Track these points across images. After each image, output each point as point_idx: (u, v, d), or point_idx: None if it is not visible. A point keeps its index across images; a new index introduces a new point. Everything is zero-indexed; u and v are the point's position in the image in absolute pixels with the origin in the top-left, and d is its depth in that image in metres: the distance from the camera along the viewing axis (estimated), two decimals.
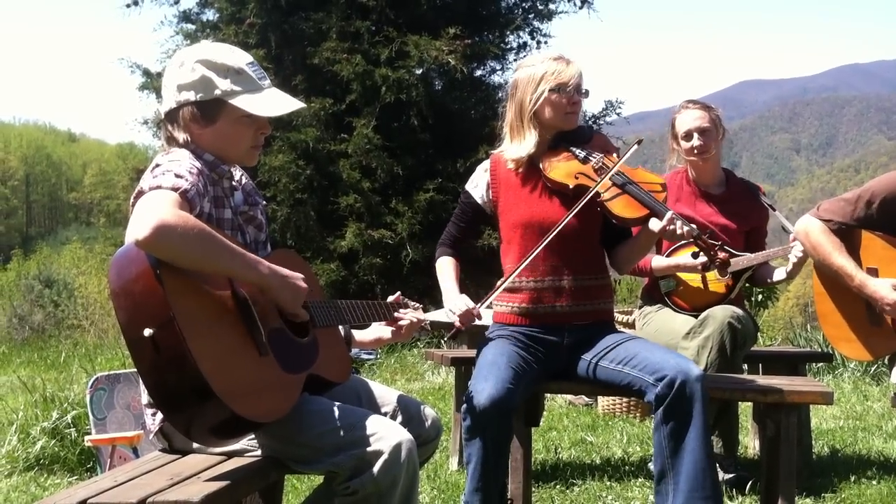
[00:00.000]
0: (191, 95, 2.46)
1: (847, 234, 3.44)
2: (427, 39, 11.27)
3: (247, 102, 2.47)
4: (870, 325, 3.38)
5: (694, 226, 3.16)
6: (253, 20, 11.83)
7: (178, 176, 2.28)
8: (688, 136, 4.23)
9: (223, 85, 2.46)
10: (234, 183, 2.62)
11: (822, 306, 3.54)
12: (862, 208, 3.40)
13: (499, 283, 3.21)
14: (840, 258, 3.38)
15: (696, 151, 4.23)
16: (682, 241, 4.06)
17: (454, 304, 3.18)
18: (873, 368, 7.48)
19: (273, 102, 2.52)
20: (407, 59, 11.29)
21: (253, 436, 2.54)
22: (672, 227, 3.09)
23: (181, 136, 2.49)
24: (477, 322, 3.15)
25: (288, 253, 2.74)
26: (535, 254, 3.16)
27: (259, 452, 2.55)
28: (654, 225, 3.15)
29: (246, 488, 2.42)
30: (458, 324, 3.07)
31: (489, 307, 3.23)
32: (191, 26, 13.20)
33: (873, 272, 3.36)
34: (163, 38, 50.28)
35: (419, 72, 11.62)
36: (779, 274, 4.15)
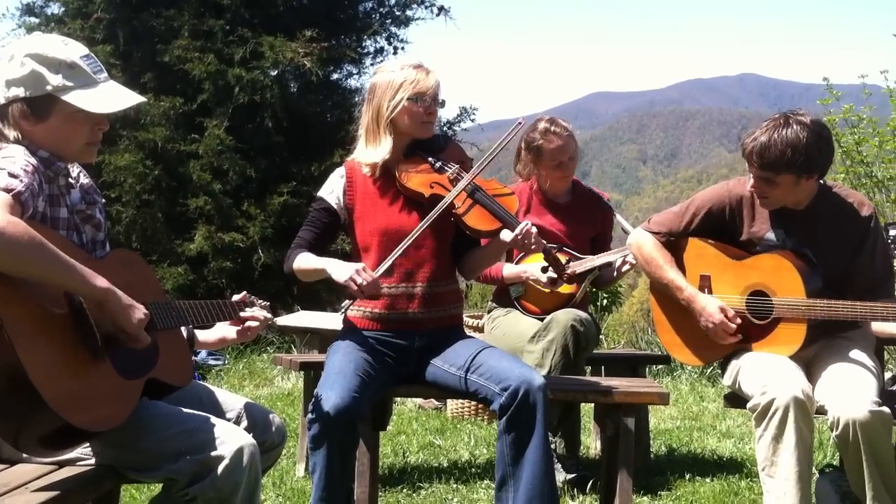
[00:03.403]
0: (20, 91, 2.36)
1: (680, 243, 3.59)
2: (283, 41, 11.15)
3: (80, 98, 2.38)
4: (700, 333, 3.54)
5: (543, 241, 3.27)
6: (100, 15, 11.44)
7: (11, 175, 2.18)
8: (560, 165, 4.39)
9: (54, 80, 2.36)
10: (70, 180, 2.52)
11: (657, 314, 3.70)
12: (688, 219, 3.57)
13: (392, 254, 3.17)
14: (670, 272, 3.53)
15: (564, 176, 4.43)
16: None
17: (354, 269, 3.05)
18: (709, 370, 7.80)
19: (109, 98, 2.43)
20: (261, 59, 11.13)
21: (87, 444, 2.46)
22: (523, 239, 3.20)
23: (11, 133, 2.38)
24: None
25: (127, 254, 2.66)
26: (415, 235, 3.18)
27: (93, 461, 2.46)
28: (507, 236, 3.25)
29: (77, 499, 2.33)
30: (355, 289, 3.04)
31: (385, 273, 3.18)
32: (34, 20, 12.63)
33: (706, 279, 3.51)
34: (3, 32, 48.04)
35: (274, 73, 11.47)
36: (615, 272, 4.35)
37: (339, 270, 3.10)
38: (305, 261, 3.26)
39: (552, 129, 4.38)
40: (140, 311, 2.33)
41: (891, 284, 3.45)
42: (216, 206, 10.81)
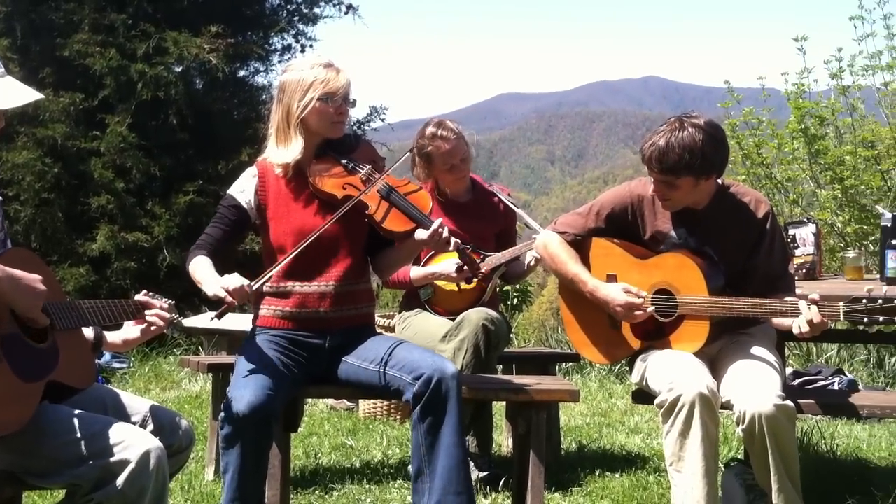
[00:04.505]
0: None
1: (586, 244, 3.64)
2: (187, 36, 10.92)
3: None
4: (608, 332, 3.58)
5: (458, 240, 3.28)
6: None
7: None
8: (452, 168, 4.36)
9: None
10: None
11: (566, 315, 3.74)
12: (593, 219, 3.62)
13: (271, 267, 3.12)
14: (574, 266, 3.57)
15: (460, 177, 4.41)
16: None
17: (226, 280, 2.99)
18: (617, 368, 7.92)
19: (5, 94, 2.35)
20: (165, 55, 10.89)
21: None
22: (438, 238, 3.21)
23: None
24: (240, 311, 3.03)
25: (23, 252, 2.57)
26: (304, 244, 3.12)
27: None
28: (421, 235, 3.25)
29: None
30: (229, 299, 2.93)
31: (259, 290, 3.12)
32: None
33: (613, 278, 3.56)
34: None
35: (178, 69, 11.24)
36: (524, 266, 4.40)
37: (210, 287, 3.02)
38: (195, 269, 3.16)
39: (439, 132, 4.31)
40: (38, 282, 2.25)
41: (789, 279, 3.55)
42: (119, 204, 10.53)
